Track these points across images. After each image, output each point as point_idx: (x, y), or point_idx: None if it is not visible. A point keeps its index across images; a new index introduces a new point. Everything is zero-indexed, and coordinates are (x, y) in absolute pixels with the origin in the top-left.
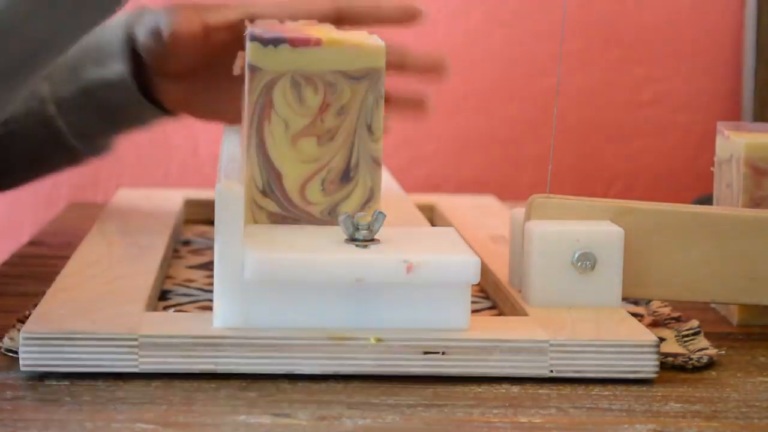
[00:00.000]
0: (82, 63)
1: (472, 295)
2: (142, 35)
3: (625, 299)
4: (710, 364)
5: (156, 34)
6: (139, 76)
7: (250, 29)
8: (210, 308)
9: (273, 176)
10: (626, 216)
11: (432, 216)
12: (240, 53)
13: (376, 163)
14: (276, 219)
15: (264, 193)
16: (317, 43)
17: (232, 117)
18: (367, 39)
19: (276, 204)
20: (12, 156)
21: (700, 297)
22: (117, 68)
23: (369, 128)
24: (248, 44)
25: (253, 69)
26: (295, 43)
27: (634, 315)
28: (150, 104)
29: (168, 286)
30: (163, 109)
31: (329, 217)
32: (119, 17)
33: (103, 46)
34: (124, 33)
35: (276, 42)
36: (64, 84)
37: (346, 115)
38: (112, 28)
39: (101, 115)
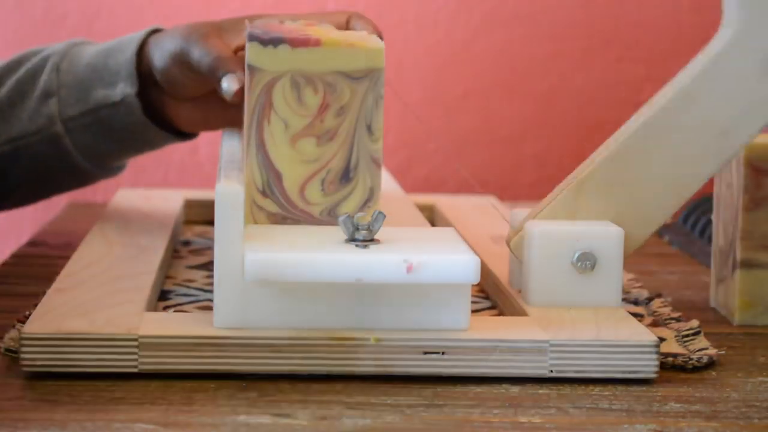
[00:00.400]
0: (91, 83)
1: (472, 295)
2: (160, 60)
3: (625, 298)
4: (710, 364)
5: (178, 60)
6: (149, 97)
7: (249, 29)
8: (210, 308)
9: (273, 176)
10: (584, 186)
11: (432, 216)
12: (239, 54)
13: (376, 163)
14: (276, 219)
15: (264, 193)
16: (316, 43)
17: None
18: (366, 39)
19: (276, 204)
20: (20, 173)
21: (695, 184)
22: (123, 89)
23: (369, 128)
24: (248, 44)
25: (253, 69)
26: (295, 43)
27: (634, 315)
28: (156, 126)
29: (168, 286)
30: (175, 131)
31: (329, 217)
32: (132, 38)
33: (112, 67)
34: (133, 54)
35: (275, 42)
36: (72, 103)
37: (346, 115)
38: (123, 50)
39: (108, 135)
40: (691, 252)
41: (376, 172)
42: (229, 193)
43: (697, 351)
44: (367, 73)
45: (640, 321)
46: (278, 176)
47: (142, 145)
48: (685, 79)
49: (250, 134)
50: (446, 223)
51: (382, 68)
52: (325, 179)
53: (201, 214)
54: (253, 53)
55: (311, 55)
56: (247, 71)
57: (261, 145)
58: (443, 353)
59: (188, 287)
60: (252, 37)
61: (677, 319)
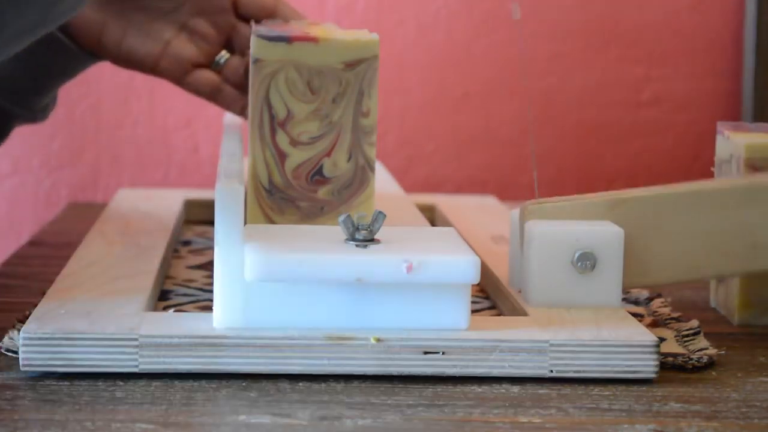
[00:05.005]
0: None
1: (472, 295)
2: None
3: (625, 298)
4: (710, 364)
5: None
6: None
7: (254, 28)
8: (210, 308)
9: (278, 158)
10: (621, 206)
11: (432, 216)
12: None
13: (369, 141)
14: (281, 205)
15: (269, 175)
16: (314, 39)
17: (145, 58)
18: (361, 35)
19: (280, 186)
20: None
21: (706, 273)
22: None
23: (362, 110)
24: (253, 40)
25: (257, 61)
26: (294, 39)
27: (634, 315)
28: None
29: (168, 286)
30: (72, 39)
31: (333, 197)
32: None
33: None
34: None
35: (278, 39)
36: None
37: (343, 101)
38: None
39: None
40: None
41: (370, 150)
42: (229, 193)
43: (697, 351)
44: (363, 61)
45: (640, 321)
46: (283, 157)
47: (45, 60)
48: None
49: (255, 120)
50: (446, 223)
51: (377, 55)
52: (327, 161)
53: (201, 214)
54: (257, 47)
55: (310, 49)
56: (252, 64)
57: (265, 130)
58: (443, 353)
59: (188, 287)
60: (257, 34)
61: (677, 319)
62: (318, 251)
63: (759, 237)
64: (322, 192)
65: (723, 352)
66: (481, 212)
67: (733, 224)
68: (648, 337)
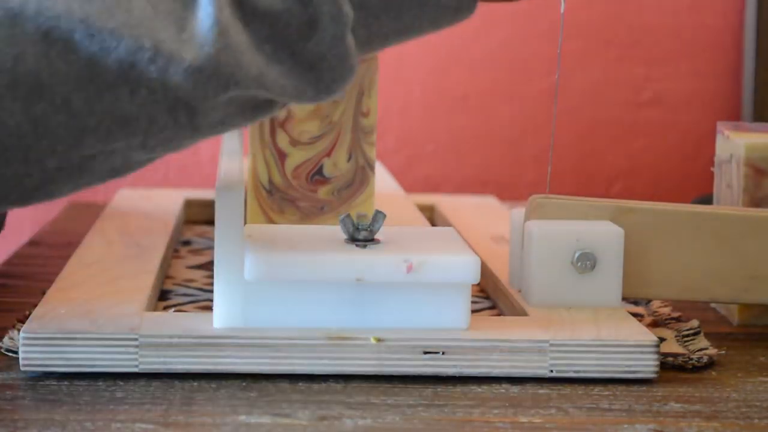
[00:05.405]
0: None
1: (472, 295)
2: None
3: (625, 299)
4: (710, 364)
5: None
6: None
7: None
8: (210, 308)
9: (278, 158)
10: (626, 216)
11: (432, 216)
12: None
13: (369, 141)
14: (281, 205)
15: (269, 175)
16: None
17: None
18: None
19: (281, 186)
20: None
21: (700, 296)
22: None
23: (362, 109)
24: None
25: None
26: None
27: (634, 315)
28: None
29: (168, 286)
30: None
31: (333, 197)
32: None
33: None
34: None
35: None
36: None
37: (343, 100)
38: None
39: None
40: None
41: (370, 150)
42: (229, 193)
43: (697, 351)
44: (363, 60)
45: (640, 321)
46: (283, 157)
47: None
48: None
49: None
50: (446, 223)
51: (377, 55)
52: (327, 161)
53: (201, 214)
54: None
55: None
56: None
57: (265, 130)
58: (443, 353)
59: (188, 287)
60: None
61: (677, 319)
62: (318, 251)
63: (759, 269)
64: (322, 192)
65: (723, 352)
66: (481, 212)
67: (733, 253)
68: (648, 337)
